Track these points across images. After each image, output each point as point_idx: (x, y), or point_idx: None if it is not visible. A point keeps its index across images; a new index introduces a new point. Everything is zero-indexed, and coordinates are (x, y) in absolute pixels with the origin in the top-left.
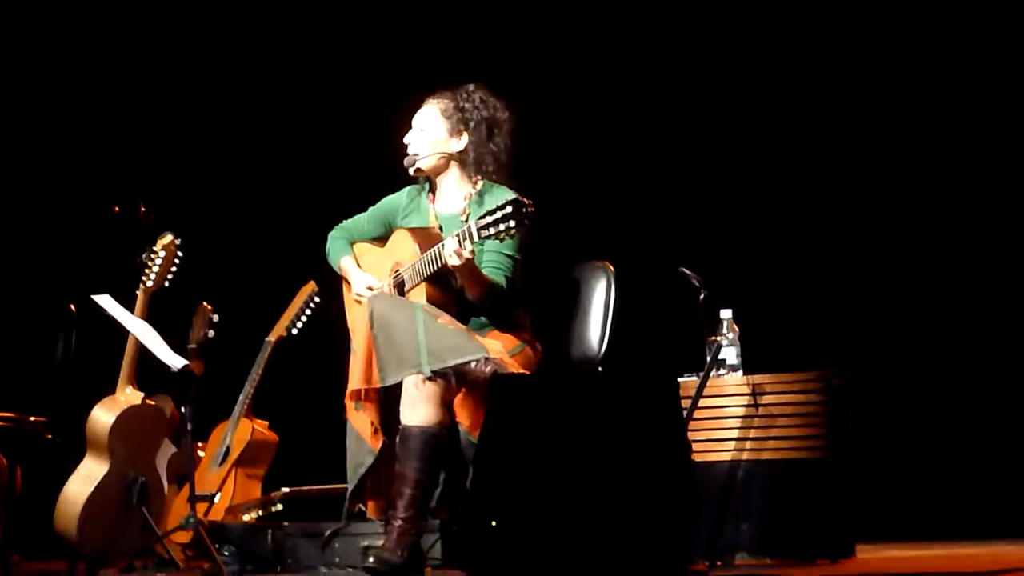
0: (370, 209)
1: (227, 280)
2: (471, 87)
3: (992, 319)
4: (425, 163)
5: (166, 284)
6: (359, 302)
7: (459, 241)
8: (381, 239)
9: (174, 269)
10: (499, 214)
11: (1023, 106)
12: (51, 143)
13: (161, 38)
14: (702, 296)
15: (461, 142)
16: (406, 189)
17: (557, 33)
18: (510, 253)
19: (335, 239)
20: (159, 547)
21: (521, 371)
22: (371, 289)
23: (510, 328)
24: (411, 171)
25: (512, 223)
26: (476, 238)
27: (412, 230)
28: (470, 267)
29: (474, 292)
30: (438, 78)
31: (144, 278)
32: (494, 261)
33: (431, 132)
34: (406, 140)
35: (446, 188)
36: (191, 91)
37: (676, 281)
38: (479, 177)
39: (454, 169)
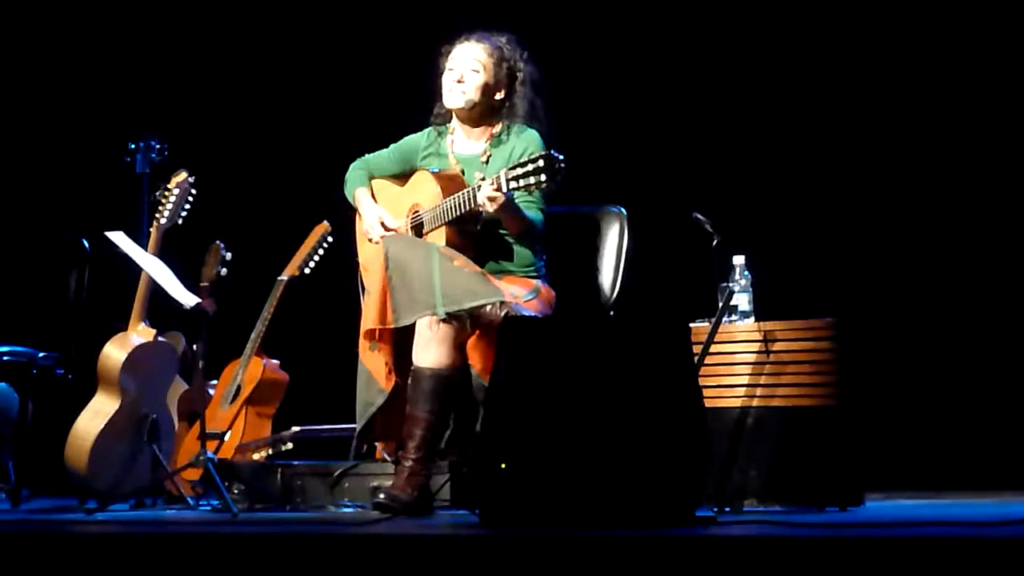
0: (392, 146)
1: (240, 218)
2: (505, 39)
3: (1012, 271)
4: (474, 106)
5: (179, 221)
6: (370, 238)
7: (493, 187)
8: (400, 177)
9: (187, 206)
10: (531, 167)
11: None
12: (66, 78)
13: None
14: (715, 242)
15: (502, 93)
16: (427, 130)
17: None
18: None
19: (354, 169)
20: (169, 484)
21: (536, 315)
22: (383, 223)
23: (526, 273)
24: (460, 108)
25: (543, 177)
26: (505, 189)
27: (436, 173)
28: (508, 205)
29: (515, 228)
30: (456, 17)
31: (157, 215)
32: (526, 198)
33: (483, 75)
34: (460, 78)
35: (468, 130)
36: (207, 25)
37: (689, 226)
38: (505, 121)
39: (487, 115)
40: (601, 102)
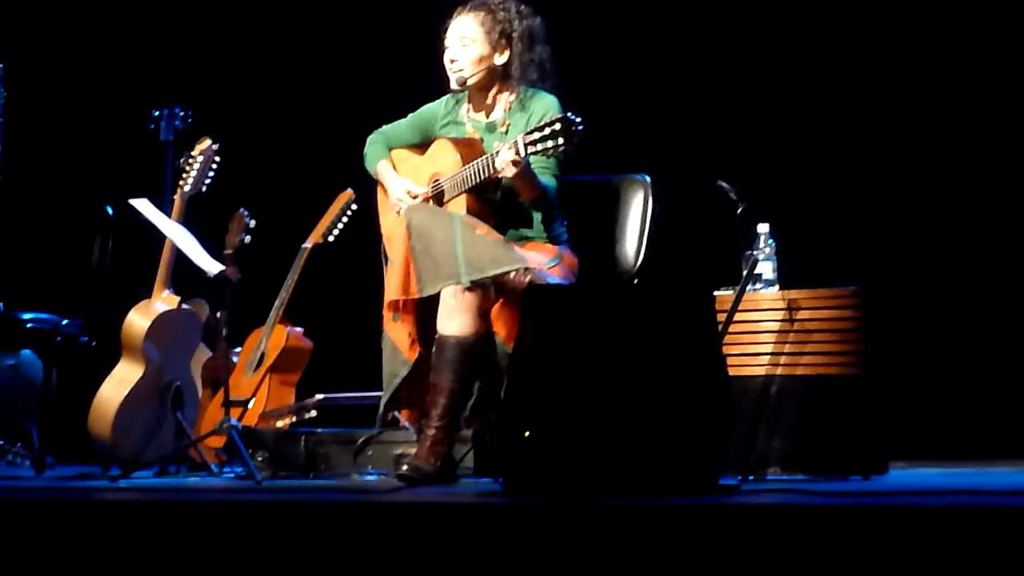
0: (410, 116)
1: (264, 185)
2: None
3: None
4: (472, 80)
5: (203, 189)
6: (397, 210)
7: (512, 152)
8: (419, 147)
9: (211, 174)
10: (547, 131)
11: None
12: (90, 46)
13: None
14: (740, 210)
15: (504, 56)
16: (445, 98)
17: None
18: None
19: (373, 143)
20: (192, 451)
21: (559, 282)
22: (410, 193)
23: (548, 240)
24: (455, 88)
25: (560, 140)
26: (523, 153)
27: (455, 140)
28: (525, 171)
29: (529, 195)
30: None
31: (181, 182)
32: (541, 163)
33: (475, 47)
34: (452, 57)
35: (484, 99)
36: None
37: (714, 194)
38: (518, 87)
39: (495, 81)
40: (626, 70)
